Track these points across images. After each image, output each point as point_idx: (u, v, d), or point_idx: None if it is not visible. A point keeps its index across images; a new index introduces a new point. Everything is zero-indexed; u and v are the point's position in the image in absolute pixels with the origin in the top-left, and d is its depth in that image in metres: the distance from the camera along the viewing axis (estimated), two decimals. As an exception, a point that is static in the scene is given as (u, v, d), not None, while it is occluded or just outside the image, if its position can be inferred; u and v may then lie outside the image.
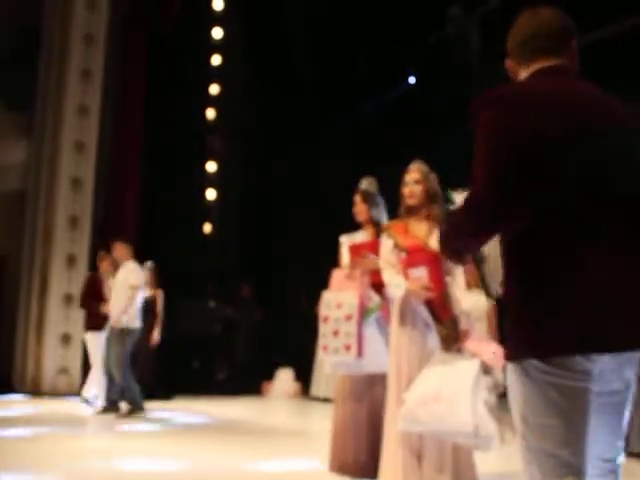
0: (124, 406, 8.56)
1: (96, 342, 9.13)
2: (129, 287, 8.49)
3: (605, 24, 10.98)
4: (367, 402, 5.01)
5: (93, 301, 9.28)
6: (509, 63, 2.36)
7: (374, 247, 4.93)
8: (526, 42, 2.31)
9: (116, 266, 9.04)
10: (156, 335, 10.03)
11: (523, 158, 2.07)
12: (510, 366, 2.13)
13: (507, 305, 2.12)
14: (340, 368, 5.02)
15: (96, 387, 9.23)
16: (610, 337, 2.01)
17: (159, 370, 10.53)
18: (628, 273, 2.03)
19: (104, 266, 9.43)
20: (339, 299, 4.88)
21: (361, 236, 5.29)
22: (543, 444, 2.05)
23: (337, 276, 5.15)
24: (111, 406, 8.54)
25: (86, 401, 9.30)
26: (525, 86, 2.26)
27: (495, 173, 2.10)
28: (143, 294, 8.84)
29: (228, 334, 13.29)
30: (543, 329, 2.03)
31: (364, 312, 4.85)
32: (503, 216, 2.11)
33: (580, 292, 2.02)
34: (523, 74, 2.30)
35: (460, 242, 2.25)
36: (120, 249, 8.79)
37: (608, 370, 2.07)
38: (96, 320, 9.14)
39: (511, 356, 2.12)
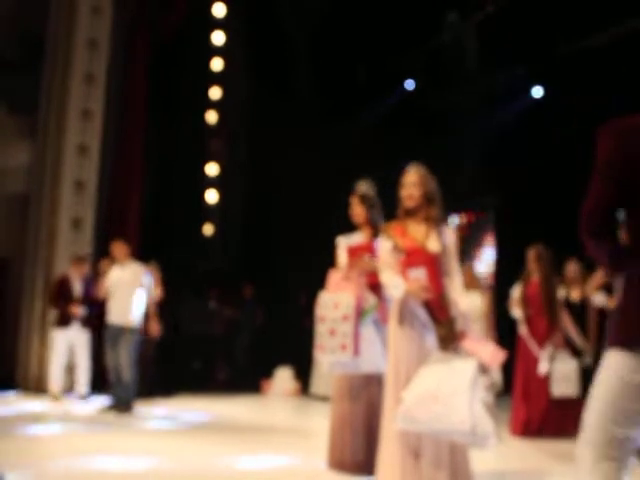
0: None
1: (62, 339, 9.72)
2: (140, 287, 8.75)
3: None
4: (364, 401, 5.08)
5: (62, 301, 9.75)
6: None
7: (371, 249, 5.03)
8: None
9: (80, 269, 9.83)
10: (156, 326, 9.86)
11: (625, 182, 2.36)
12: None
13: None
14: (337, 367, 5.06)
15: (60, 382, 9.73)
16: None
17: (160, 369, 10.56)
18: None
19: (75, 269, 9.92)
20: (336, 300, 4.92)
21: (358, 237, 5.35)
22: (606, 424, 2.34)
23: (334, 277, 5.18)
24: (117, 404, 8.61)
25: (83, 397, 9.60)
26: None
27: (596, 198, 2.39)
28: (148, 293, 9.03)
29: (228, 334, 13.29)
30: (628, 325, 2.33)
31: (361, 313, 4.91)
32: (598, 234, 2.38)
33: None
34: None
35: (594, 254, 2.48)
36: (119, 249, 8.90)
37: None
38: (64, 318, 9.74)
39: (606, 346, 2.42)
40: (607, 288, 7.44)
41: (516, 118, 12.84)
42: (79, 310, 9.68)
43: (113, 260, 9.09)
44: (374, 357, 4.97)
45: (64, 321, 9.75)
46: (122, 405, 8.55)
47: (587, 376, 7.79)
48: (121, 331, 8.63)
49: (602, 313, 7.77)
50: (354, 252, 5.13)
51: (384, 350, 4.82)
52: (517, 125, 12.70)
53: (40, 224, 11.09)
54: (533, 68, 12.44)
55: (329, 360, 4.98)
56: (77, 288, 9.84)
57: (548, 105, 12.47)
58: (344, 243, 5.33)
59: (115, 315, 8.70)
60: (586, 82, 11.51)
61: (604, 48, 11.32)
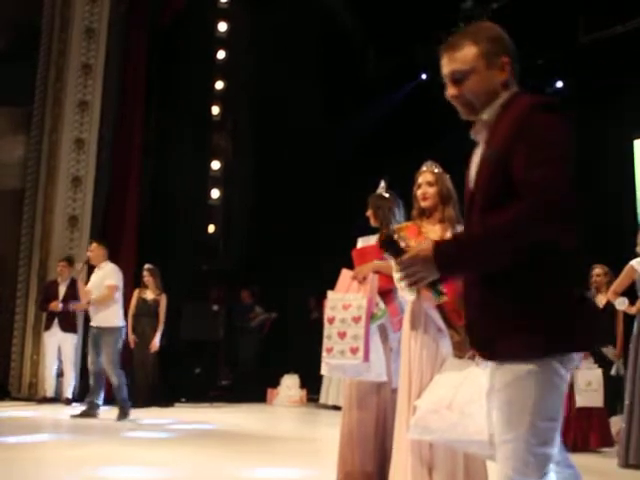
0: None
1: (51, 342, 10.10)
2: (106, 287, 8.64)
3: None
4: (373, 410, 4.88)
5: (47, 304, 10.11)
6: None
7: (378, 251, 4.75)
8: None
9: (64, 271, 10.11)
10: (156, 341, 10.13)
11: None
12: (521, 365, 2.19)
13: (522, 302, 2.19)
14: (337, 371, 4.94)
15: (52, 385, 10.14)
16: (600, 331, 2.30)
17: (161, 376, 10.44)
18: None
19: (61, 271, 10.22)
20: (346, 300, 4.78)
21: (376, 239, 5.09)
22: (545, 447, 2.17)
23: (345, 275, 5.01)
24: (91, 410, 8.56)
25: (68, 403, 9.80)
26: None
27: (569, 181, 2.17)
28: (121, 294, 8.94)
29: (232, 338, 13.14)
30: (568, 326, 2.15)
31: (370, 317, 4.73)
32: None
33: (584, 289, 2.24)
34: None
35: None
36: (96, 251, 8.85)
37: None
38: (49, 320, 10.13)
39: (531, 353, 2.17)
40: (629, 292, 7.04)
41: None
42: (58, 305, 9.92)
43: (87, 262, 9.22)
44: (377, 366, 4.78)
45: (49, 323, 10.04)
46: (119, 409, 8.51)
47: (613, 385, 7.52)
48: (100, 333, 8.59)
49: (628, 318, 7.42)
50: (359, 254, 5.02)
51: (387, 360, 4.76)
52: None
53: (35, 222, 10.97)
54: (552, 59, 12.05)
55: (334, 363, 4.82)
56: (62, 291, 10.10)
57: (568, 99, 12.07)
58: (362, 245, 5.21)
59: (94, 318, 8.70)
60: (608, 73, 11.14)
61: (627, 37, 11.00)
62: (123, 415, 8.44)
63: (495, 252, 2.19)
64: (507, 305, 2.23)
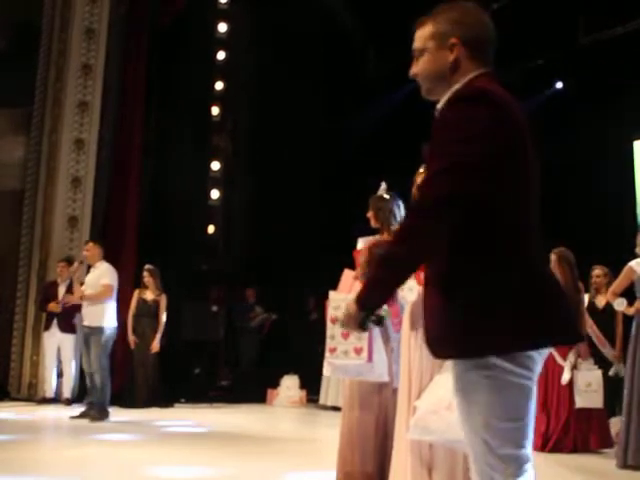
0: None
1: (50, 343, 10.14)
2: (101, 286, 8.64)
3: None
4: (374, 410, 4.87)
5: (47, 304, 10.16)
6: None
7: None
8: None
9: (64, 271, 10.05)
10: (156, 342, 10.15)
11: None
12: (467, 364, 2.12)
13: (464, 300, 2.13)
14: (340, 372, 4.91)
15: (52, 386, 10.16)
16: (560, 330, 2.17)
17: (161, 376, 10.40)
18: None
19: (60, 272, 10.22)
20: (349, 300, 4.63)
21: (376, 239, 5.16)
22: (507, 448, 2.09)
23: (347, 276, 5.03)
24: (90, 411, 8.52)
25: (68, 403, 9.83)
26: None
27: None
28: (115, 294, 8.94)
29: (232, 338, 13.10)
30: (511, 323, 2.07)
31: None
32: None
33: (539, 289, 2.12)
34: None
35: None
36: (92, 250, 8.86)
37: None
38: (48, 321, 10.17)
39: (471, 351, 2.11)
40: (628, 293, 7.02)
41: (534, 113, 12.40)
42: (57, 306, 9.97)
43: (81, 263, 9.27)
44: (379, 367, 4.77)
45: (49, 324, 10.08)
46: (96, 411, 8.45)
47: (612, 386, 7.50)
48: (91, 332, 8.61)
49: (627, 319, 7.39)
50: (359, 255, 5.00)
51: (389, 360, 4.75)
52: (535, 121, 12.25)
53: (35, 222, 10.94)
54: (552, 59, 12.00)
55: (338, 363, 4.79)
56: (62, 291, 10.09)
57: (568, 99, 12.02)
58: (362, 245, 5.19)
59: (85, 317, 8.72)
60: (608, 73, 11.09)
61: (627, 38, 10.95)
62: (98, 418, 8.35)
63: (398, 259, 2.18)
64: (447, 305, 2.17)
